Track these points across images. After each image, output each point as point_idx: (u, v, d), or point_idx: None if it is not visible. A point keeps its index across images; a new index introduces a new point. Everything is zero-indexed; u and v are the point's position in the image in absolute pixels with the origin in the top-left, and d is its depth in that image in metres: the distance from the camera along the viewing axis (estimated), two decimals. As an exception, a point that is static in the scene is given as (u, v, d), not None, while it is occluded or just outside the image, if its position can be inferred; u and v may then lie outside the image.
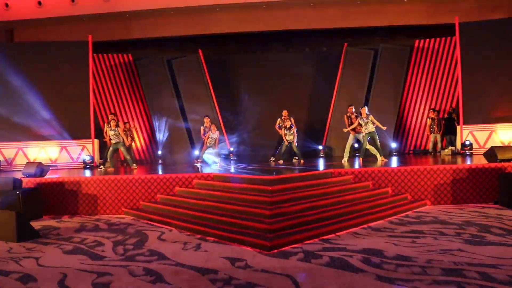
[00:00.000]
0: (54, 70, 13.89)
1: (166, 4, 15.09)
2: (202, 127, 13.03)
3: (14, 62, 13.83)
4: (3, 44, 15.25)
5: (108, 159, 12.08)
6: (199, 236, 6.85)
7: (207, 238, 6.68)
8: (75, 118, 13.87)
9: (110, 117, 12.24)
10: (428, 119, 14.23)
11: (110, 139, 11.91)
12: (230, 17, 15.88)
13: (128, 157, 12.07)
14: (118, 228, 7.80)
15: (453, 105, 14.80)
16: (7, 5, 14.89)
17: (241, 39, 16.47)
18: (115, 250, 6.20)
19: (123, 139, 11.86)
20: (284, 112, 12.91)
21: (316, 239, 6.30)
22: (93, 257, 5.83)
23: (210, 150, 12.66)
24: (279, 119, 13.07)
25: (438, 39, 15.48)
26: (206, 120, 12.99)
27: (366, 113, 11.45)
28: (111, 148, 11.92)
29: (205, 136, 12.70)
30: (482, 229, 6.62)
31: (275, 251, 5.79)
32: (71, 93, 13.88)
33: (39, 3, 14.84)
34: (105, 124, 12.90)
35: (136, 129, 15.25)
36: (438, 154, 13.84)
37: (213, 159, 12.76)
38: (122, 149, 11.94)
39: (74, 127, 13.82)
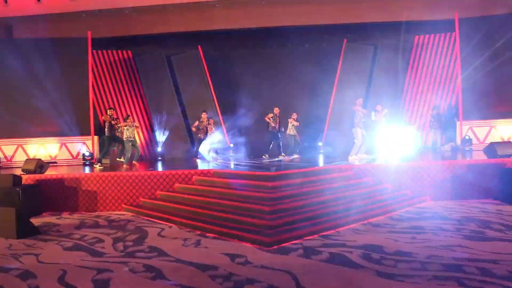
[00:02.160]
0: (53, 66, 13.85)
1: (165, 0, 15.03)
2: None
3: (13, 59, 13.81)
4: (2, 41, 15.20)
5: (130, 156, 11.99)
6: (199, 232, 6.85)
7: (207, 234, 6.68)
8: (74, 115, 13.86)
9: (110, 112, 12.29)
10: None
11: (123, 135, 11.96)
12: (229, 13, 15.81)
13: (137, 154, 12.06)
14: (118, 225, 7.80)
15: (452, 101, 14.76)
16: (6, 1, 14.82)
17: (241, 35, 16.40)
18: (115, 246, 6.20)
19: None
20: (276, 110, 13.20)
21: (316, 235, 6.30)
22: (93, 254, 5.84)
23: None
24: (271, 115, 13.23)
25: (438, 34, 15.43)
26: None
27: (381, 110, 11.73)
28: (129, 144, 11.83)
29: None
30: (482, 225, 6.63)
31: (275, 247, 5.79)
32: (71, 90, 13.87)
33: (38, -1, 14.78)
34: (115, 119, 12.64)
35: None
36: (437, 150, 13.82)
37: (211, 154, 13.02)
38: (136, 145, 11.96)
39: (74, 124, 13.81)
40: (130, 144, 11.75)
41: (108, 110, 12.38)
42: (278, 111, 13.08)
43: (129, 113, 15.63)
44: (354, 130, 11.15)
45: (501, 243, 5.58)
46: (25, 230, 7.05)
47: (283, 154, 13.23)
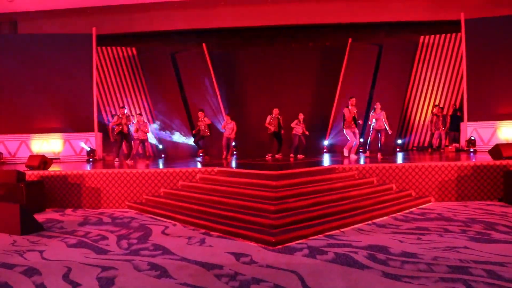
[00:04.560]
0: (57, 62, 13.88)
1: (170, -3, 15.05)
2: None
3: (18, 54, 13.82)
4: (7, 36, 15.21)
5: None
6: (203, 230, 6.83)
7: (211, 233, 6.66)
8: (78, 111, 13.87)
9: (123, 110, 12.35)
10: (432, 115, 14.16)
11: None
12: (234, 11, 15.81)
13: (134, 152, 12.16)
14: (121, 222, 7.79)
15: (457, 103, 14.75)
16: (10, -3, 14.85)
17: (245, 33, 16.42)
18: (119, 244, 6.18)
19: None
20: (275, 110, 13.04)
21: (320, 235, 6.28)
22: (98, 251, 5.82)
23: None
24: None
25: (443, 35, 15.39)
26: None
27: (379, 109, 11.92)
28: (138, 142, 12.06)
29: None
30: (487, 227, 6.59)
31: (280, 246, 5.76)
32: (75, 86, 13.88)
33: (43, -5, 14.80)
34: (127, 118, 12.65)
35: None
36: (442, 150, 13.80)
37: None
38: (145, 144, 12.07)
39: (78, 120, 13.82)
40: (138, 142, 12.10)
41: (121, 109, 12.43)
42: (278, 112, 12.96)
43: (132, 109, 15.64)
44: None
45: (508, 246, 5.55)
46: (29, 227, 7.04)
47: (281, 154, 13.25)
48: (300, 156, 12.81)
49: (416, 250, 5.42)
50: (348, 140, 11.65)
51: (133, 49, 16.10)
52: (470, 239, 5.92)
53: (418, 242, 5.81)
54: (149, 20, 15.83)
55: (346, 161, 10.37)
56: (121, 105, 15.34)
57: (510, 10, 14.72)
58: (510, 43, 13.43)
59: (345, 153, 11.73)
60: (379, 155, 11.69)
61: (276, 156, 13.02)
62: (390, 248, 5.54)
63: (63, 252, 5.86)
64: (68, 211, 9.17)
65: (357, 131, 11.69)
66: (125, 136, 12.08)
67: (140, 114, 12.67)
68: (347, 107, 11.60)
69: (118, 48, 16.00)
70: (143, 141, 12.13)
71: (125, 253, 5.71)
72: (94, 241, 6.38)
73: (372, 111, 12.12)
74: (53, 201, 9.50)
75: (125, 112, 12.24)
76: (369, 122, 12.18)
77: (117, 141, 12.35)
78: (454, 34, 15.12)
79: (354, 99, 11.70)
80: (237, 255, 5.43)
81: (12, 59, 13.84)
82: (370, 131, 12.32)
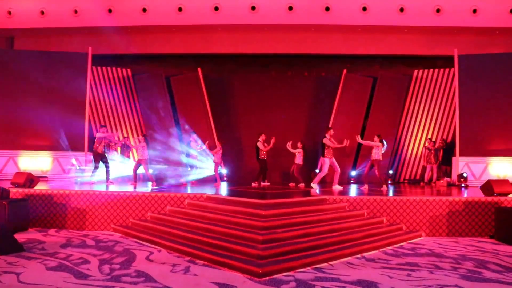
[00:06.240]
0: (52, 80, 13.80)
1: (167, 21, 15.11)
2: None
3: (13, 69, 13.74)
4: (3, 51, 15.15)
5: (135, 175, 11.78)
6: (188, 258, 6.64)
7: (197, 261, 6.48)
8: (69, 129, 13.72)
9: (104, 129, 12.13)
10: (424, 149, 14.20)
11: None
12: (231, 37, 15.91)
13: (149, 174, 11.80)
14: (105, 245, 7.57)
15: (449, 137, 14.82)
16: (10, 12, 14.86)
17: (241, 59, 16.51)
18: (100, 269, 5.97)
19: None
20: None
21: (308, 268, 6.12)
22: (77, 276, 5.61)
23: None
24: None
25: (436, 70, 15.58)
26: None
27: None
28: (136, 163, 11.69)
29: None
30: (478, 265, 6.48)
31: (266, 278, 5.59)
32: (68, 104, 13.75)
33: (42, 12, 14.82)
34: (125, 138, 12.44)
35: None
36: (433, 184, 13.76)
37: None
38: (144, 165, 11.62)
39: (69, 139, 13.66)
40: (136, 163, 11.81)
41: (100, 128, 12.25)
42: (264, 138, 13.03)
43: (124, 130, 15.51)
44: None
45: (499, 286, 5.42)
46: (8, 247, 6.78)
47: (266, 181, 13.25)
48: (293, 185, 12.75)
49: (406, 287, 5.28)
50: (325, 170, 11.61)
51: (128, 70, 16.09)
52: (461, 277, 5.79)
53: (408, 279, 5.67)
54: (145, 42, 15.86)
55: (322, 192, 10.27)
56: (114, 125, 15.26)
57: (502, 48, 14.99)
58: (501, 80, 13.62)
59: (315, 186, 11.64)
60: (384, 187, 11.59)
61: (262, 184, 12.95)
62: (379, 284, 5.39)
63: (42, 275, 5.64)
64: (52, 231, 8.92)
65: (334, 160, 11.60)
66: (99, 155, 11.81)
67: (144, 135, 12.49)
68: (326, 137, 11.58)
69: (113, 68, 15.97)
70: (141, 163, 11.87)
71: (106, 278, 5.50)
72: (75, 265, 6.16)
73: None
74: (37, 221, 9.24)
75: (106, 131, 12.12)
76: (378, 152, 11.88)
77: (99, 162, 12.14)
78: (447, 69, 15.32)
79: (331, 130, 11.76)
80: (222, 286, 5.25)
81: (6, 74, 13.77)
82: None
